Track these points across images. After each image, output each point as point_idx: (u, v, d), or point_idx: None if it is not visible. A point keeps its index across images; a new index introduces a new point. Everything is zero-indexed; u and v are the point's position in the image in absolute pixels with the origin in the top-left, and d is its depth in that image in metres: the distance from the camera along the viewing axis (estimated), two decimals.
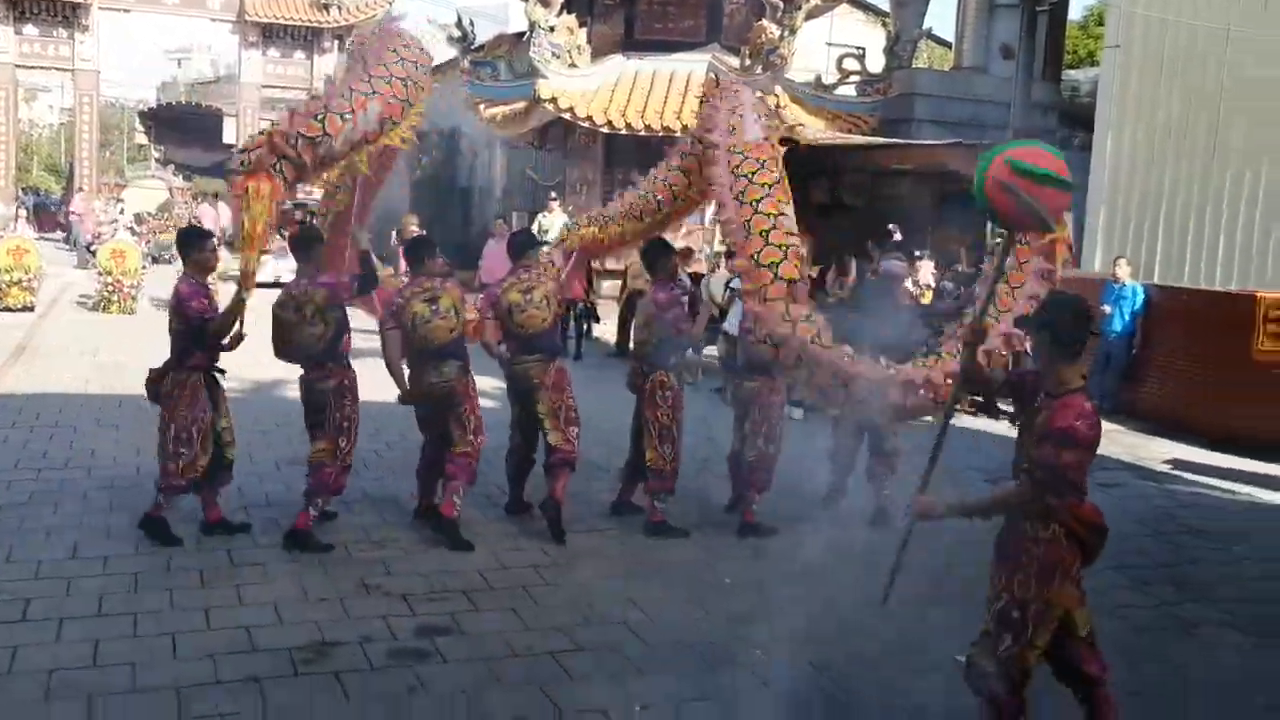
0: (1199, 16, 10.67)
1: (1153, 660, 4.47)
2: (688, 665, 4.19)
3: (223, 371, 5.52)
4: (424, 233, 10.69)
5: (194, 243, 5.60)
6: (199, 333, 5.27)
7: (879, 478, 6.35)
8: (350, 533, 5.59)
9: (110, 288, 14.44)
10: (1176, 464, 8.44)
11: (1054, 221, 3.44)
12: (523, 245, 6.07)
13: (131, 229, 21.62)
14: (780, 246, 5.29)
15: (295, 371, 5.59)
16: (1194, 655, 4.62)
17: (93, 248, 18.99)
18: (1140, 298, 9.87)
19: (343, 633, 4.40)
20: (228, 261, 11.46)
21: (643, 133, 14.44)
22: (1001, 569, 3.32)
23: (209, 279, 5.69)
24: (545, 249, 6.85)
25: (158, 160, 32.99)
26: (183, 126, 36.28)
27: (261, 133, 5.40)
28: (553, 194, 15.57)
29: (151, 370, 5.39)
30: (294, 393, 5.69)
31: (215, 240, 5.87)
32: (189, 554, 5.21)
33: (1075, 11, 24.07)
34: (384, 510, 6.07)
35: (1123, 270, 9.89)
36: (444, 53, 15.65)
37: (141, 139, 39.17)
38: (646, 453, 5.94)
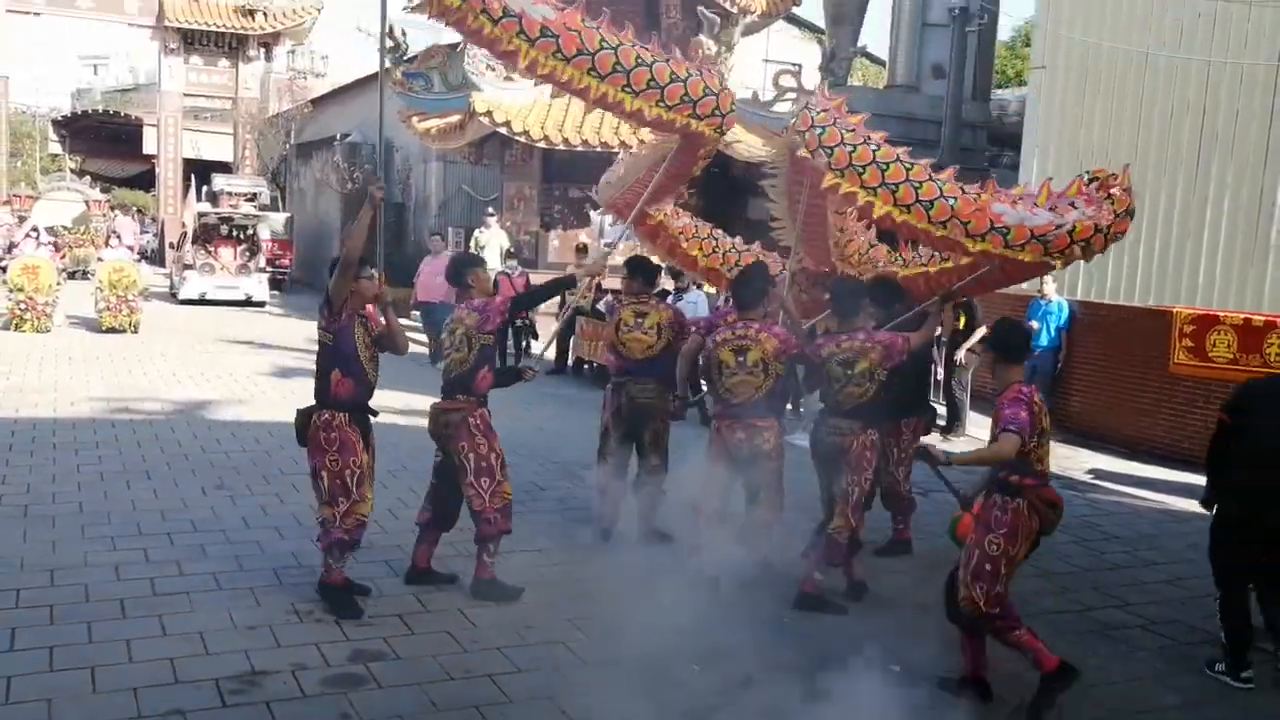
0: (1120, 40, 11.02)
1: (1076, 662, 4.58)
2: (627, 685, 4.15)
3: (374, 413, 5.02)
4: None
5: None
6: None
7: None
8: (280, 559, 5.43)
9: (23, 305, 13.92)
10: (1097, 474, 8.71)
11: None
12: (649, 274, 6.03)
13: (54, 243, 20.84)
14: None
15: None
16: (1113, 657, 4.76)
17: (2, 263, 18.26)
18: (1065, 313, 10.15)
19: (273, 661, 4.27)
20: (147, 275, 11.08)
21: (580, 148, 14.39)
22: (976, 532, 4.13)
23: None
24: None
25: (73, 171, 31.85)
26: (100, 136, 35.16)
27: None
28: (490, 209, 15.46)
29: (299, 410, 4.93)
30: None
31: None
32: (109, 584, 5.00)
33: (1004, 32, 24.77)
34: (312, 535, 5.90)
35: (1049, 287, 10.16)
36: (373, 63, 15.34)
37: (56, 148, 37.82)
38: (839, 519, 5.02)
